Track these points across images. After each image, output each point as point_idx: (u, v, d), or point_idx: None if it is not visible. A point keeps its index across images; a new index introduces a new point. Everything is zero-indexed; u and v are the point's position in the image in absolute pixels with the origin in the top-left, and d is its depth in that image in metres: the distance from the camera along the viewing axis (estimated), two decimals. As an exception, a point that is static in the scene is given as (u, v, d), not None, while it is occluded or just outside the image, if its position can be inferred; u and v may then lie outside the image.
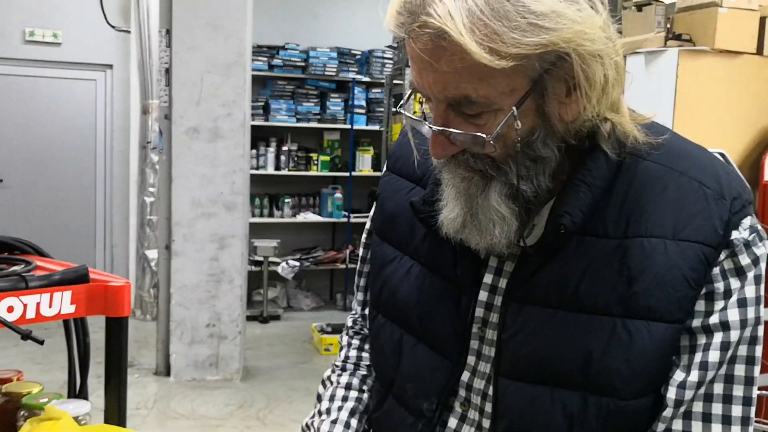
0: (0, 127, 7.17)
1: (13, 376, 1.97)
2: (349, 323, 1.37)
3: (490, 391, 1.03)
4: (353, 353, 1.32)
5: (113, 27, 7.32)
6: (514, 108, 0.90)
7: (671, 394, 0.96)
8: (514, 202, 0.97)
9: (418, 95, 0.98)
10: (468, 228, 0.99)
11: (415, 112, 1.11)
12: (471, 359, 1.07)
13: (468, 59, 0.85)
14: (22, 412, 1.78)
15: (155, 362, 5.68)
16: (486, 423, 1.03)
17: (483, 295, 1.05)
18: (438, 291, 1.09)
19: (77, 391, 2.05)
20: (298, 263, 7.68)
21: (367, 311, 1.29)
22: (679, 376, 0.96)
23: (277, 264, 7.55)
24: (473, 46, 0.83)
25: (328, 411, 1.24)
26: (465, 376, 1.07)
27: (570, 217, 0.95)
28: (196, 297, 5.50)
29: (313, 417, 1.27)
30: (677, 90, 3.67)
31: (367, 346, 1.31)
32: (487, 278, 1.05)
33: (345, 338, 1.36)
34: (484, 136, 0.91)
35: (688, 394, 0.95)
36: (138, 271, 7.30)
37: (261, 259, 7.33)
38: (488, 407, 1.03)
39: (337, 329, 6.57)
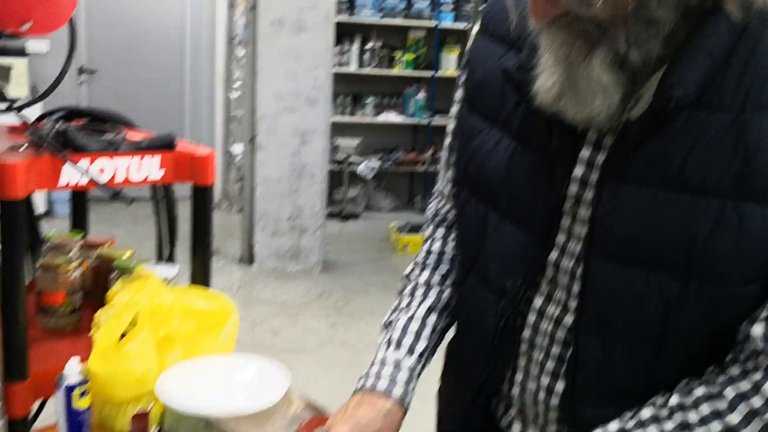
0: (94, 20, 7.32)
1: (106, 242, 2.07)
2: (433, 211, 1.32)
3: (579, 272, 0.97)
4: (436, 246, 1.27)
5: None
6: None
7: None
8: (619, 72, 0.89)
9: None
10: (565, 98, 0.91)
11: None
12: (560, 238, 1.02)
13: None
14: (113, 274, 1.88)
15: (240, 251, 5.90)
16: (572, 304, 0.99)
17: (578, 171, 0.98)
18: (528, 166, 1.03)
19: (166, 258, 2.14)
20: (378, 164, 7.71)
21: (453, 189, 1.25)
22: None
23: (358, 164, 7.60)
24: None
25: (407, 307, 1.22)
26: (553, 255, 1.03)
27: (683, 88, 0.86)
28: (278, 190, 5.62)
29: (392, 313, 1.25)
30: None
31: (451, 237, 1.26)
32: (584, 153, 0.98)
33: (429, 229, 1.31)
34: None
35: None
36: (223, 166, 7.50)
37: (342, 158, 7.39)
38: (575, 288, 0.99)
39: (415, 229, 6.62)
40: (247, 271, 5.67)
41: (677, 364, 0.93)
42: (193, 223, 1.85)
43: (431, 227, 1.31)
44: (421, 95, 7.75)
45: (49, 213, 6.48)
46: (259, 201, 5.64)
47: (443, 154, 1.28)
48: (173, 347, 1.59)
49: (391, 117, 7.81)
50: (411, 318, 1.20)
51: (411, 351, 1.17)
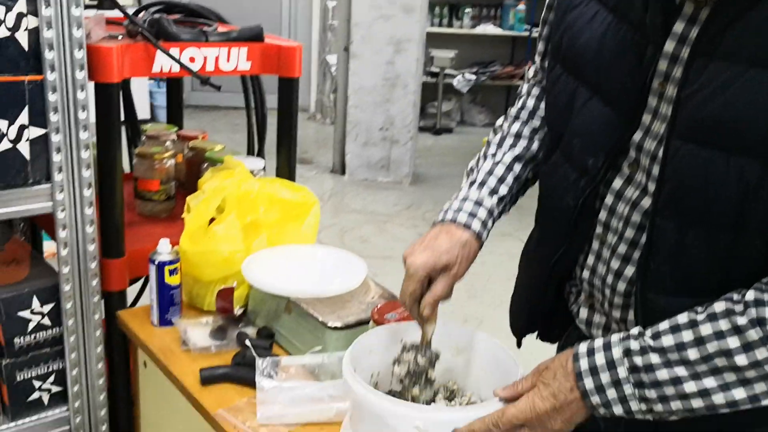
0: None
1: (199, 135, 2.14)
2: (530, 73, 1.31)
3: (661, 153, 0.94)
4: (531, 102, 1.27)
5: None
6: None
7: None
8: None
9: None
10: None
11: None
12: (646, 117, 0.98)
13: None
14: (205, 165, 1.95)
15: (332, 161, 5.97)
16: (652, 187, 0.96)
17: (669, 46, 0.94)
18: (621, 40, 0.99)
19: (255, 152, 2.20)
20: (474, 77, 7.56)
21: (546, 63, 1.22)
22: None
23: (453, 76, 7.47)
24: None
25: (493, 154, 1.24)
26: (637, 135, 0.99)
27: None
28: (371, 100, 5.61)
29: (478, 160, 1.26)
30: None
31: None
32: (678, 26, 0.93)
33: (525, 87, 1.31)
34: None
35: None
36: (319, 77, 7.53)
37: (437, 70, 7.27)
38: (655, 169, 0.95)
39: (508, 144, 6.51)
40: (338, 181, 5.75)
41: (754, 255, 0.89)
42: (279, 117, 1.88)
43: (527, 85, 1.31)
44: (521, 6, 7.48)
45: (152, 119, 6.72)
46: (351, 111, 5.66)
47: (539, 28, 1.26)
48: (258, 233, 1.65)
49: (488, 29, 7.59)
50: (497, 163, 1.22)
51: (493, 192, 1.19)
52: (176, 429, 1.53)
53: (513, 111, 1.29)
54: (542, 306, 1.21)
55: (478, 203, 1.18)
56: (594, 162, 1.03)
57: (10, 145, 1.38)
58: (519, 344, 1.32)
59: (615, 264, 1.03)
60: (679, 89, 0.92)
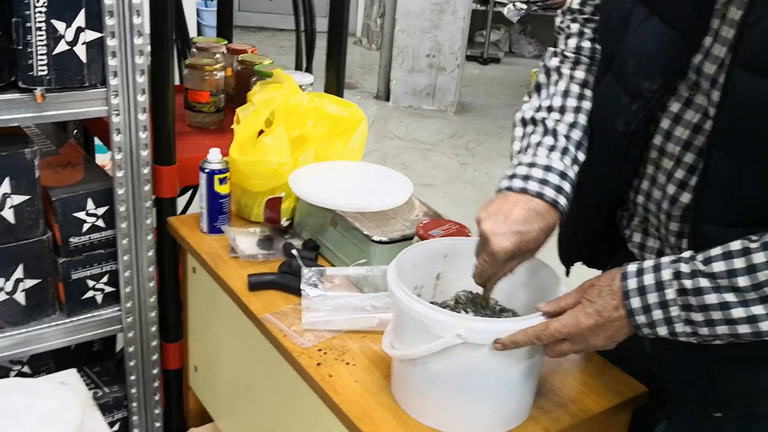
0: None
1: (248, 49, 2.14)
2: (576, 5, 1.20)
3: (721, 79, 0.91)
4: (587, 44, 1.16)
5: None
6: None
7: None
8: None
9: None
10: None
11: None
12: (707, 40, 0.94)
13: None
14: (254, 78, 1.96)
15: (376, 87, 5.93)
16: (712, 112, 0.94)
17: None
18: None
19: (303, 69, 2.19)
20: (525, 6, 7.35)
21: None
22: None
23: (504, 5, 7.28)
24: None
25: (563, 109, 1.12)
26: (697, 58, 0.95)
27: None
28: (419, 25, 5.52)
29: (539, 110, 1.14)
30: None
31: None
32: None
33: (575, 25, 1.19)
34: None
35: None
36: (366, 1, 7.40)
37: (488, -3, 7.10)
38: (715, 95, 0.93)
39: (556, 76, 6.37)
40: (382, 107, 5.72)
41: None
42: (330, 31, 1.86)
43: (579, 21, 1.19)
44: (579, -68, 7.19)
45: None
46: (398, 36, 5.58)
47: None
48: (306, 147, 1.66)
49: (543, -44, 7.34)
50: (573, 125, 1.12)
51: (574, 162, 1.11)
52: (222, 332, 1.58)
53: (569, 51, 1.18)
54: (593, 232, 1.20)
55: (563, 175, 1.08)
56: (649, 84, 1.00)
57: (67, 47, 1.40)
58: (568, 273, 1.31)
59: (671, 189, 1.01)
60: (744, 14, 0.88)
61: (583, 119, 1.13)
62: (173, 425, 1.91)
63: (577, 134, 1.12)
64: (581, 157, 1.12)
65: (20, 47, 1.35)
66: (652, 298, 0.93)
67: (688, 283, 0.91)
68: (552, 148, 1.10)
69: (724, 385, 1.03)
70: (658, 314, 0.93)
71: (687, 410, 1.14)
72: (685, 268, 0.91)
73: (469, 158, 4.89)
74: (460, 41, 5.56)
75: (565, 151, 1.10)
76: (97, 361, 1.91)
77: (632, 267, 0.96)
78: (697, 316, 0.91)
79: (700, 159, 0.98)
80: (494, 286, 1.14)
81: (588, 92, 1.15)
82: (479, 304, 1.19)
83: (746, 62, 0.88)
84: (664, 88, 1.00)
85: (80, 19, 1.39)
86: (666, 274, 0.92)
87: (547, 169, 1.08)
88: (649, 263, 0.95)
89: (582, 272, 1.35)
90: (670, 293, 0.92)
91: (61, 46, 1.39)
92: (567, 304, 1.01)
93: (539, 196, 1.06)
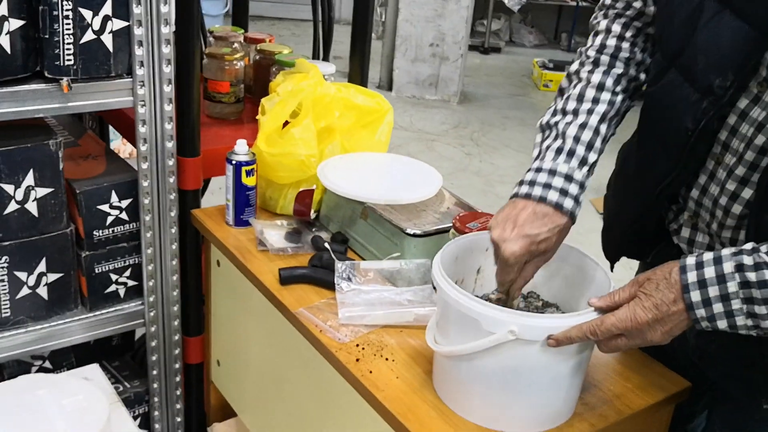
0: None
1: (266, 38, 2.11)
2: (609, 0, 1.18)
3: None
4: (612, 42, 1.16)
5: None
6: None
7: None
8: None
9: None
10: None
11: None
12: None
13: None
14: (274, 68, 1.93)
15: (378, 77, 5.89)
16: None
17: None
18: None
19: (321, 58, 2.16)
20: (526, -5, 7.32)
21: None
22: None
23: (505, -6, 7.24)
24: None
25: (575, 112, 1.13)
26: None
27: None
28: (422, 14, 5.48)
29: (554, 114, 1.16)
30: None
31: (629, 34, 1.15)
32: None
33: (604, 21, 1.18)
34: None
35: None
36: (366, -11, 7.35)
37: (489, -14, 7.06)
38: None
39: (559, 66, 6.35)
40: (385, 97, 5.66)
41: None
42: (354, 22, 1.83)
43: (608, 17, 1.18)
44: None
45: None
46: (401, 25, 5.54)
47: None
48: (333, 138, 1.64)
49: (544, -56, 7.30)
50: (583, 126, 1.12)
51: (583, 163, 1.10)
52: (249, 326, 1.56)
53: (590, 52, 1.17)
54: (645, 225, 1.18)
55: (569, 178, 1.08)
56: (721, 81, 0.97)
57: (93, 36, 1.37)
58: (612, 268, 1.30)
59: (731, 185, 0.99)
60: None
61: (594, 120, 1.13)
62: (193, 420, 1.89)
63: (587, 135, 1.12)
64: (592, 157, 1.12)
65: (47, 36, 1.32)
66: (713, 291, 0.91)
67: (752, 276, 0.89)
68: (559, 151, 1.11)
69: None
70: (718, 308, 0.91)
71: (731, 402, 1.13)
72: (748, 260, 0.89)
73: (474, 149, 4.86)
74: (463, 30, 5.52)
75: (571, 153, 1.11)
76: (116, 356, 1.88)
77: (691, 260, 0.94)
78: (761, 309, 0.89)
79: (761, 157, 0.96)
80: (518, 294, 1.13)
81: (604, 95, 1.15)
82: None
83: None
84: (736, 85, 0.97)
85: (107, 8, 1.36)
86: (728, 267, 0.90)
87: (552, 173, 1.09)
88: (708, 255, 0.93)
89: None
90: (732, 286, 0.90)
91: (88, 35, 1.36)
92: (622, 298, 0.99)
93: (542, 200, 1.07)
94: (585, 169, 1.11)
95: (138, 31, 1.41)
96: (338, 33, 2.26)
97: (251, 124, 1.83)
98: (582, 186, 1.10)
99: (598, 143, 1.13)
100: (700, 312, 0.92)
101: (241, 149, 1.53)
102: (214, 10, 6.32)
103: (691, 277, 0.92)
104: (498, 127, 5.29)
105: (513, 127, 5.28)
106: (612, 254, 1.28)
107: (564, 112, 1.15)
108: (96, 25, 1.36)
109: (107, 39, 1.38)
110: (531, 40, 7.76)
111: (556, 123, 1.15)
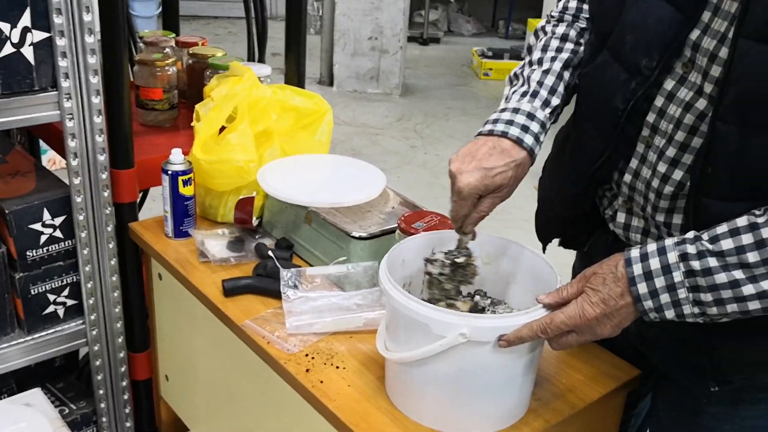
0: None
1: (198, 41, 2.05)
2: None
3: (722, 53, 0.90)
4: (573, 4, 1.22)
5: None
6: None
7: None
8: None
9: None
10: None
11: None
12: (706, 15, 0.93)
13: None
14: (208, 72, 1.88)
15: (319, 72, 5.84)
16: (708, 88, 0.93)
17: None
18: None
19: (256, 60, 2.12)
20: (462, -16, 7.35)
21: None
22: None
23: (441, -16, 7.26)
24: None
25: (540, 61, 1.17)
26: (694, 34, 0.94)
27: None
28: (359, 7, 5.45)
29: (522, 67, 1.19)
30: None
31: None
32: None
33: None
34: None
35: None
36: (302, -16, 7.28)
37: (424, -23, 7.06)
38: (714, 70, 0.91)
39: (498, 54, 6.40)
40: (326, 92, 5.64)
41: None
42: (287, 25, 1.80)
43: None
44: None
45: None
46: (339, 19, 5.50)
47: None
48: (272, 142, 1.60)
49: (477, -67, 7.34)
50: (546, 72, 1.15)
51: (545, 104, 1.13)
52: (196, 339, 1.52)
53: (555, 12, 1.23)
54: (578, 209, 1.18)
55: (531, 116, 1.11)
56: (647, 62, 0.98)
57: (13, 50, 1.31)
58: (543, 250, 1.31)
59: (662, 167, 1.00)
60: None
61: (558, 66, 1.17)
62: (145, 437, 1.84)
63: (550, 80, 1.15)
64: (555, 101, 1.14)
65: (-38, 51, 1.26)
66: (659, 282, 0.91)
67: (696, 264, 0.89)
68: (524, 94, 1.14)
69: (727, 360, 1.03)
70: (665, 298, 0.91)
71: (676, 387, 1.14)
72: (691, 249, 0.90)
73: (418, 141, 4.86)
74: (401, 22, 5.51)
75: (535, 94, 1.14)
76: (60, 377, 1.82)
77: (635, 252, 0.94)
78: (706, 297, 0.89)
79: (691, 137, 0.97)
80: (470, 230, 1.12)
81: (567, 45, 1.18)
82: (459, 266, 1.15)
83: (753, 32, 0.86)
84: (662, 65, 0.98)
85: (26, 19, 1.30)
86: (672, 257, 0.91)
87: (515, 111, 1.12)
88: (652, 246, 0.93)
89: (558, 256, 1.34)
90: (678, 276, 0.90)
91: (7, 49, 1.30)
92: (570, 294, 0.98)
93: (504, 135, 1.09)
94: (547, 111, 1.14)
95: (61, 42, 1.35)
96: (275, 29, 2.22)
97: (188, 131, 1.78)
98: (543, 126, 1.13)
99: (560, 88, 1.16)
100: (648, 304, 0.92)
101: (176, 158, 1.49)
102: (146, 11, 6.17)
103: (637, 269, 0.92)
104: (441, 118, 5.30)
105: (456, 117, 5.29)
106: (544, 236, 1.30)
107: (530, 63, 1.19)
108: (15, 38, 1.30)
109: (28, 52, 1.32)
110: (469, 29, 7.79)
111: (522, 72, 1.19)
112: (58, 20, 1.33)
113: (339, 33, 5.54)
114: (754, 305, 0.88)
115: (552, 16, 1.23)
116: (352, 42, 5.56)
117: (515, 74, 1.19)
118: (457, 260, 1.13)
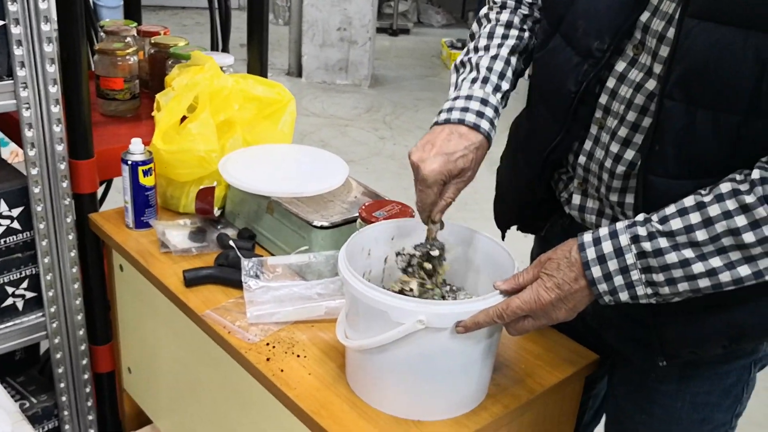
0: None
1: (160, 30, 2.03)
2: None
3: (669, 33, 0.92)
4: None
5: None
6: None
7: None
8: None
9: None
10: None
11: None
12: None
13: None
14: (170, 61, 1.86)
15: (287, 63, 5.81)
16: (657, 68, 0.94)
17: None
18: None
19: (219, 49, 2.10)
20: (431, -25, 7.35)
21: None
22: None
23: (410, -25, 7.25)
24: None
25: (487, 48, 1.18)
26: (644, 16, 0.97)
27: None
28: (328, -2, 5.43)
29: (467, 53, 1.20)
30: None
31: None
32: None
33: None
34: None
35: None
36: (270, -26, 7.23)
37: (393, -32, 7.04)
38: (663, 50, 0.94)
39: (467, 46, 6.41)
40: (295, 83, 5.61)
41: (761, 138, 0.89)
42: (249, 13, 1.78)
43: None
44: None
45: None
46: (307, 10, 5.47)
47: None
48: (233, 132, 1.59)
49: (446, -76, 7.33)
50: (495, 57, 1.17)
51: (497, 89, 1.15)
52: (158, 331, 1.51)
53: (496, 0, 1.23)
54: (533, 193, 1.20)
55: (484, 102, 1.12)
56: (599, 45, 1.01)
57: (-34, 38, 1.28)
58: (503, 237, 1.33)
59: (615, 148, 1.02)
60: None
61: (505, 52, 1.18)
62: (108, 430, 1.82)
63: (499, 65, 1.17)
64: (505, 86, 1.16)
65: None
66: (612, 265, 0.93)
67: (647, 246, 0.91)
68: (474, 81, 1.16)
69: (674, 336, 1.05)
70: (619, 280, 0.93)
71: (629, 365, 1.16)
72: (642, 231, 0.91)
73: (387, 132, 4.86)
74: (370, 13, 5.50)
75: (485, 80, 1.15)
76: (20, 371, 1.80)
77: (588, 237, 0.95)
78: (659, 277, 0.91)
79: (642, 116, 0.99)
80: (438, 218, 1.12)
81: (512, 31, 1.20)
82: (428, 258, 1.15)
83: (697, 11, 0.88)
84: (613, 48, 1.00)
85: (-22, 6, 1.28)
86: (624, 240, 0.92)
87: (468, 98, 1.13)
88: (604, 231, 0.94)
89: (515, 237, 1.36)
90: (630, 258, 0.92)
91: (-41, 36, 1.27)
92: (525, 280, 0.99)
93: (461, 122, 1.11)
94: (499, 95, 1.16)
95: (16, 30, 1.33)
96: (241, 20, 2.20)
97: (150, 121, 1.76)
98: (497, 111, 1.15)
99: (509, 73, 1.18)
100: (602, 287, 0.93)
101: (136, 148, 1.47)
102: (112, 1, 6.09)
103: (590, 253, 0.94)
104: (410, 109, 5.31)
105: (425, 108, 5.30)
106: (503, 223, 1.31)
107: (476, 50, 1.20)
108: (-33, 25, 1.28)
109: (-19, 39, 1.30)
110: (439, 20, 7.80)
111: (469, 59, 1.19)
112: (12, 8, 1.31)
113: (307, 24, 5.51)
114: (704, 283, 0.90)
115: (495, 2, 1.23)
116: (321, 33, 5.54)
117: (461, 62, 1.20)
118: (432, 252, 1.13)
